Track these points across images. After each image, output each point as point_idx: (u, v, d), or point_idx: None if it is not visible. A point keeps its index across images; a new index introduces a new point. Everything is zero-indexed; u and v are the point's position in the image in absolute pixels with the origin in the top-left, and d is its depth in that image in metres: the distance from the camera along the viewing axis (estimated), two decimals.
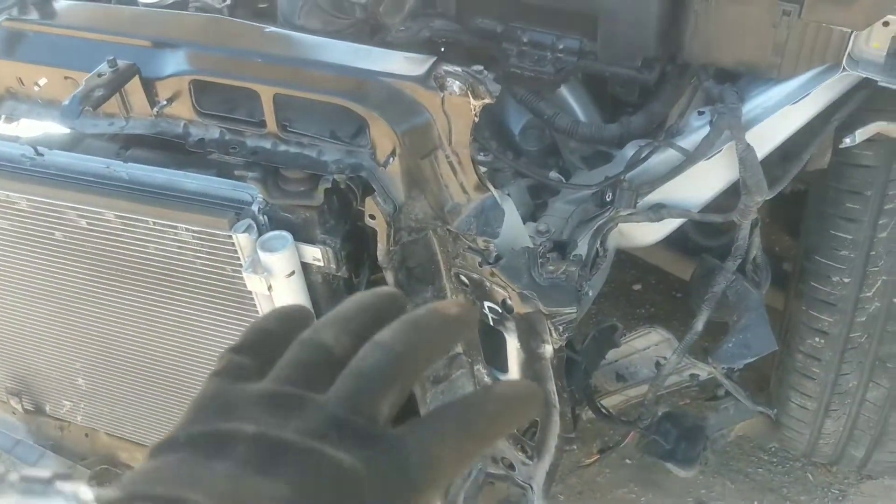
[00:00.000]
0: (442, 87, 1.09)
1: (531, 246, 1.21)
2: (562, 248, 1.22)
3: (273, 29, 1.25)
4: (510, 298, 1.22)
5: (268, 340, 0.49)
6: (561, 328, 1.21)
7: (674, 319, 2.48)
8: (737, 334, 1.38)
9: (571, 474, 2.07)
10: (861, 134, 1.33)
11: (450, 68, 1.08)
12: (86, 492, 0.38)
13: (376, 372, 0.45)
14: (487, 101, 1.07)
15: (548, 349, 1.26)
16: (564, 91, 1.63)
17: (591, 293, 1.42)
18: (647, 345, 1.61)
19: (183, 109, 1.22)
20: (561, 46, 1.50)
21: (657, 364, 1.64)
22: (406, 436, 0.44)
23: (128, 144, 1.36)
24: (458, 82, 1.07)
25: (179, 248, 1.25)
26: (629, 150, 1.46)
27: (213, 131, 1.23)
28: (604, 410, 1.61)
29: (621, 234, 1.47)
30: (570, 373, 1.39)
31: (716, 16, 1.35)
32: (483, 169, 1.24)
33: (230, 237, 1.19)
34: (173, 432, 0.44)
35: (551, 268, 1.18)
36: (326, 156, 1.17)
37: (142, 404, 1.61)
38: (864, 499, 2.01)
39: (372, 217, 1.16)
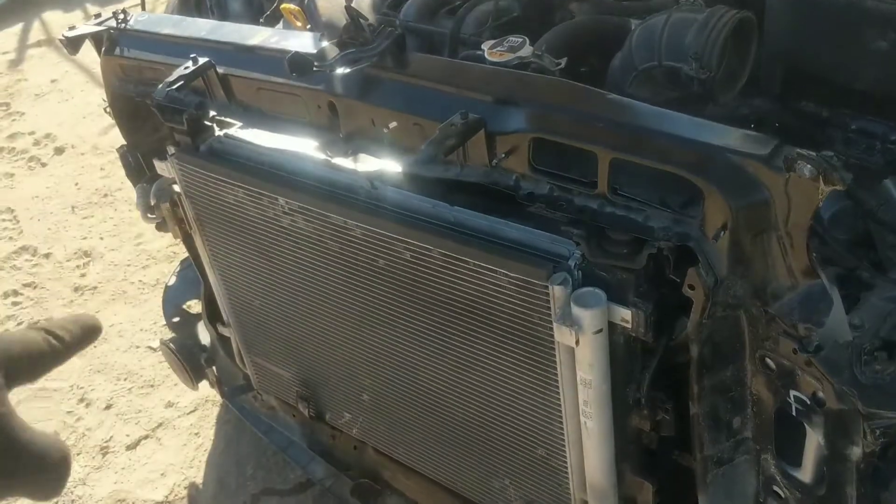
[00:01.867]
0: (790, 169, 1.08)
1: (856, 341, 1.16)
2: (891, 347, 1.15)
3: (615, 96, 1.30)
4: (823, 392, 1.17)
5: None
6: (878, 432, 1.14)
7: None
8: None
9: None
10: None
11: (802, 151, 1.07)
12: None
13: None
14: (839, 187, 1.05)
15: (856, 451, 1.19)
16: (889, 184, 1.55)
17: None
18: None
19: (518, 164, 1.31)
20: (893, 137, 1.44)
21: None
22: None
23: (451, 188, 1.47)
24: (810, 166, 1.06)
25: (496, 291, 1.32)
26: None
27: (543, 186, 1.30)
28: None
29: None
30: (875, 480, 1.30)
31: None
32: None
33: (546, 287, 1.24)
34: None
35: (878, 367, 1.12)
36: (653, 222, 1.20)
37: (417, 430, 1.70)
38: None
39: (691, 287, 1.16)
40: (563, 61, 1.40)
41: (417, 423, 1.69)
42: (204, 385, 2.33)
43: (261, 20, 2.13)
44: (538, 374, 1.37)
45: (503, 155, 1.31)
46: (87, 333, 0.75)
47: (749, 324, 1.24)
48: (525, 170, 1.30)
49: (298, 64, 1.43)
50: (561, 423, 1.39)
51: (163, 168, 1.81)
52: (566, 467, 1.45)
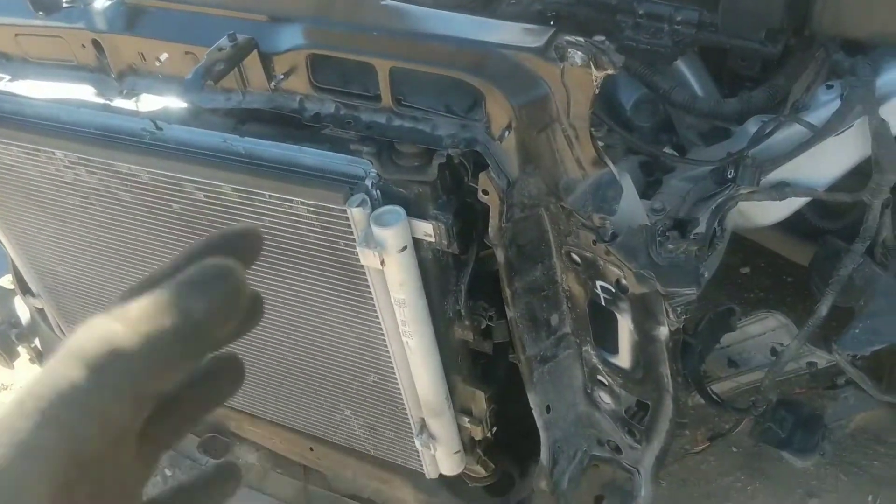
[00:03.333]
0: (562, 58, 1.06)
1: (649, 224, 1.17)
2: (682, 226, 1.18)
3: (388, 2, 1.24)
4: (625, 278, 1.19)
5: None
6: (679, 310, 1.17)
7: (783, 304, 2.39)
8: (864, 319, 1.31)
9: (675, 461, 2.02)
10: None
11: (571, 38, 1.05)
12: None
13: None
14: (610, 71, 1.04)
15: (663, 331, 1.22)
16: (681, 65, 1.57)
17: (706, 275, 1.37)
18: (762, 330, 1.55)
19: (299, 84, 1.23)
20: (679, 18, 1.45)
21: (772, 350, 1.57)
22: None
23: (244, 119, 1.38)
24: (580, 52, 1.04)
25: (295, 221, 1.26)
26: (751, 126, 1.39)
27: (329, 106, 1.23)
28: (715, 397, 1.56)
29: (740, 214, 1.41)
30: (683, 356, 1.35)
31: None
32: (600, 143, 1.20)
33: (345, 211, 1.19)
34: None
35: (671, 247, 1.14)
36: (441, 130, 1.16)
37: (253, 376, 1.64)
38: None
39: (485, 192, 1.14)
40: None
41: (251, 370, 1.62)
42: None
43: None
44: (355, 301, 1.33)
45: (282, 76, 1.23)
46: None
47: (551, 221, 1.24)
48: (308, 90, 1.23)
49: (43, 2, 1.28)
50: (386, 346, 1.36)
51: None
52: (399, 390, 1.43)
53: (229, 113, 1.41)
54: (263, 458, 1.88)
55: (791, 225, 1.82)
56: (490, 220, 1.17)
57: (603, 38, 1.06)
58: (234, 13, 1.27)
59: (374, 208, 1.19)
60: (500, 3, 1.53)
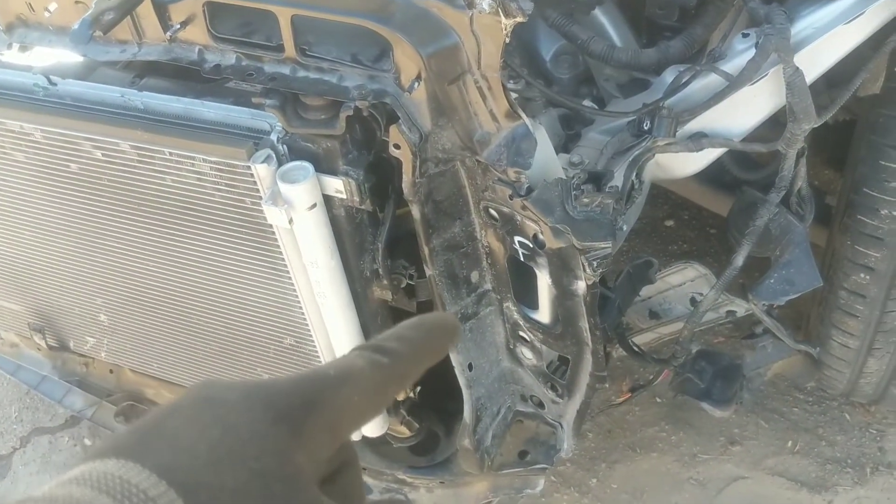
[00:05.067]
0: (470, 6, 1.02)
1: (564, 177, 1.15)
2: (597, 179, 1.16)
3: None
4: (542, 233, 1.16)
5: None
6: (595, 263, 1.15)
7: (707, 256, 2.42)
8: (779, 269, 1.32)
9: (601, 413, 2.04)
10: None
11: None
12: None
13: None
14: (520, 19, 1.00)
15: (581, 285, 1.21)
16: (599, 14, 1.54)
17: (625, 228, 1.35)
18: (682, 280, 1.55)
19: (198, 34, 1.16)
20: None
21: (692, 301, 1.58)
22: None
23: (143, 73, 1.31)
24: None
25: (198, 179, 1.20)
26: (668, 76, 1.38)
27: (230, 57, 1.17)
28: (636, 348, 1.56)
29: (658, 166, 1.40)
30: (602, 310, 1.34)
31: None
32: (514, 95, 1.17)
33: (249, 168, 1.14)
34: None
35: (586, 200, 1.12)
36: (348, 81, 1.11)
37: (164, 341, 1.58)
38: None
39: (397, 147, 1.10)
40: None
41: (163, 335, 1.57)
42: None
43: None
44: (266, 261, 1.28)
45: (178, 25, 1.16)
46: (434, 334, 0.50)
47: (468, 176, 1.21)
48: (207, 40, 1.16)
49: None
50: (301, 308, 1.32)
51: None
52: (317, 351, 1.39)
53: (128, 66, 1.33)
54: None
55: (713, 176, 1.82)
56: (403, 176, 1.13)
57: None
58: None
59: (280, 164, 1.14)
60: None
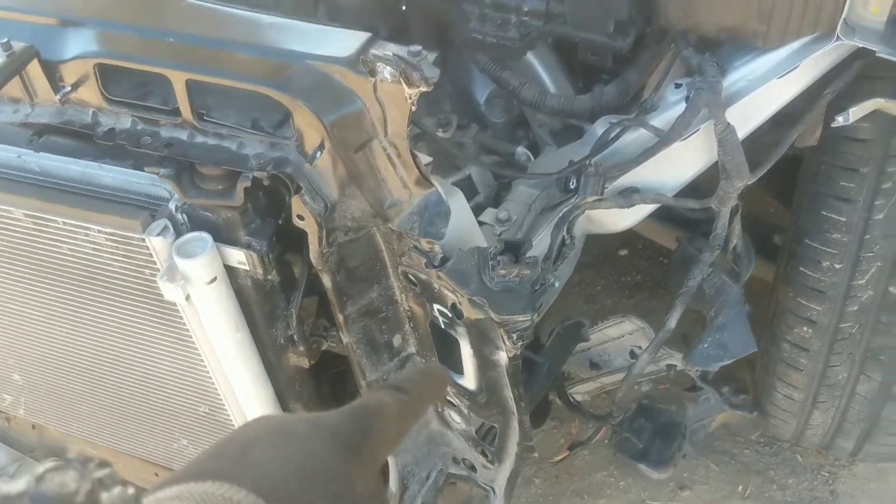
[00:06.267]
0: (372, 73, 0.95)
1: (481, 247, 1.09)
2: (515, 248, 1.09)
3: (192, 1, 1.10)
4: (460, 303, 1.10)
5: None
6: (515, 336, 1.09)
7: (659, 287, 2.37)
8: (713, 333, 1.27)
9: (540, 470, 1.97)
10: (855, 112, 1.19)
11: (379, 52, 0.94)
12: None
13: None
14: (423, 88, 0.93)
15: (502, 356, 1.14)
16: (532, 58, 1.48)
17: (557, 284, 1.30)
18: (620, 333, 1.50)
19: (91, 95, 1.09)
20: (526, 9, 1.35)
21: (632, 353, 1.53)
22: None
23: (42, 131, 1.23)
24: (389, 68, 0.93)
25: (94, 249, 1.13)
26: (599, 128, 1.32)
27: (125, 120, 1.09)
28: (573, 401, 1.50)
29: (590, 221, 1.35)
30: (531, 374, 1.28)
31: None
32: (427, 160, 1.11)
33: (144, 240, 1.07)
34: None
35: (503, 272, 1.06)
36: (248, 149, 1.04)
37: (80, 402, 1.50)
38: (856, 482, 1.91)
39: (300, 218, 1.03)
40: None
41: (78, 396, 1.49)
42: None
43: None
44: (171, 333, 1.21)
45: (69, 87, 1.08)
46: (433, 381, 0.66)
47: (384, 241, 1.14)
48: (101, 102, 1.09)
49: None
50: (211, 378, 1.25)
51: None
52: (231, 420, 1.32)
53: (27, 124, 1.25)
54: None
55: (662, 212, 1.77)
56: (310, 246, 1.07)
57: (419, 48, 0.96)
58: (16, 16, 1.11)
59: (178, 235, 1.07)
60: None
